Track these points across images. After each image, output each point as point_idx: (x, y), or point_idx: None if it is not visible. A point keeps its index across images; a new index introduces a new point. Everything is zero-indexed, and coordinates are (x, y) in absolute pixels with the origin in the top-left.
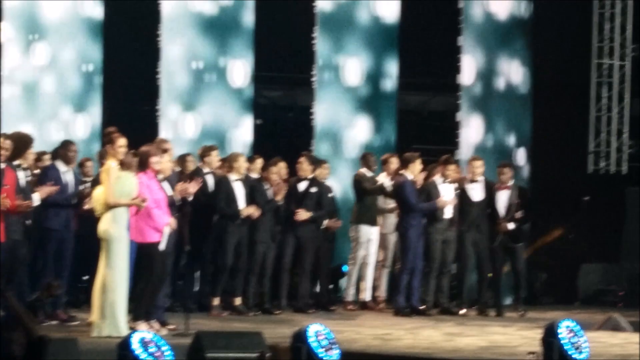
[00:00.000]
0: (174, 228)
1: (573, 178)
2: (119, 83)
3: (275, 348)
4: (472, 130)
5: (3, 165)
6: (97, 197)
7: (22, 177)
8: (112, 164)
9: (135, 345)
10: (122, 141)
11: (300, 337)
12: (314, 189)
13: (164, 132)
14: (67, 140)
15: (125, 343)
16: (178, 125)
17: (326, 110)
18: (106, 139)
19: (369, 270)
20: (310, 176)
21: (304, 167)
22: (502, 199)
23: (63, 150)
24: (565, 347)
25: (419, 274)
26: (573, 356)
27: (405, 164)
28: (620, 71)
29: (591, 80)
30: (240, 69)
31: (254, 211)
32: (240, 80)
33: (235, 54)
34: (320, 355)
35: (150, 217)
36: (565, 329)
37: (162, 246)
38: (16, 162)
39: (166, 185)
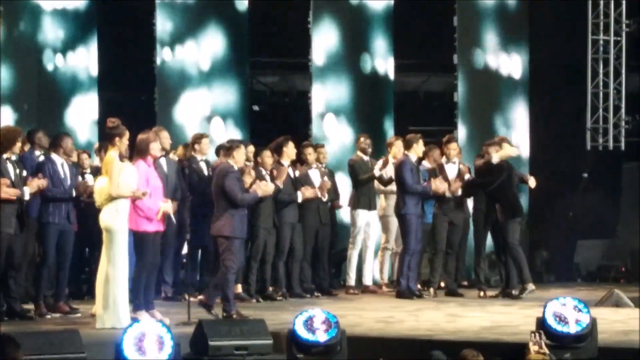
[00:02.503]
0: (168, 211)
1: (572, 155)
2: (115, 72)
3: (277, 334)
4: (469, 109)
5: None
6: (100, 189)
7: (11, 170)
8: (114, 155)
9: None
10: (128, 133)
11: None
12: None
13: (160, 121)
14: (63, 133)
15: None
16: (175, 114)
17: (323, 94)
18: (117, 131)
19: (369, 254)
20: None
21: (313, 156)
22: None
23: (59, 143)
24: (549, 322)
25: (417, 255)
26: (558, 329)
27: (408, 145)
28: (615, 47)
29: (587, 57)
30: (235, 55)
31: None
32: (235, 66)
33: (230, 39)
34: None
35: (143, 206)
36: (555, 305)
37: (173, 222)
38: (5, 156)
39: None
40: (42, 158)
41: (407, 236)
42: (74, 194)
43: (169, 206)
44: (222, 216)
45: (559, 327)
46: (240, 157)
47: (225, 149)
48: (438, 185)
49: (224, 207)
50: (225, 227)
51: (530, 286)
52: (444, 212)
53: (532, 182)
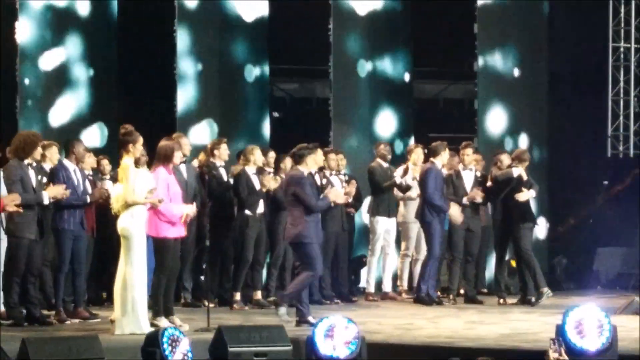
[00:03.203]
0: (191, 215)
1: (592, 162)
2: (135, 80)
3: (297, 340)
4: (489, 117)
5: None
6: (116, 196)
7: (32, 176)
8: (129, 161)
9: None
10: (141, 139)
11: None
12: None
13: (180, 128)
14: (75, 138)
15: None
16: (195, 121)
17: (343, 101)
18: (130, 137)
19: (389, 260)
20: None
21: (337, 162)
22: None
23: (70, 149)
24: (568, 335)
25: (436, 262)
26: (577, 345)
27: (435, 152)
28: (636, 54)
29: (608, 64)
30: (256, 62)
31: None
32: (256, 74)
33: (251, 46)
34: None
35: (165, 211)
36: (576, 316)
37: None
38: (27, 161)
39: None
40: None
41: (432, 242)
42: (88, 200)
43: (192, 208)
44: (298, 223)
45: (578, 342)
46: (312, 163)
47: (298, 157)
48: (454, 215)
49: (299, 214)
50: (302, 234)
51: (546, 290)
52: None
53: (522, 196)
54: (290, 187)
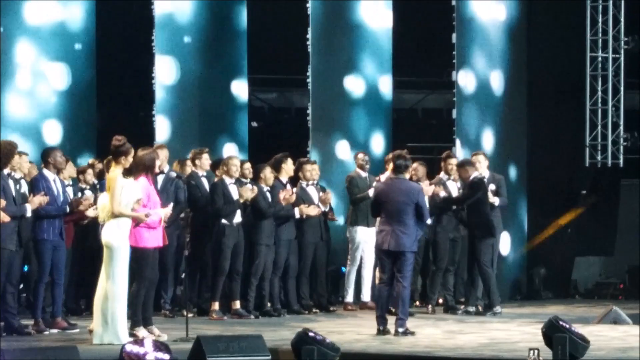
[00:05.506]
0: (168, 216)
1: (570, 172)
2: (114, 89)
3: (276, 350)
4: (467, 126)
5: None
6: (102, 205)
7: (12, 186)
8: (117, 172)
9: None
10: (133, 151)
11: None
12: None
13: (159, 138)
14: (51, 147)
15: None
16: (174, 130)
17: (321, 111)
18: (122, 149)
19: (367, 270)
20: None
21: (313, 172)
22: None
23: (49, 158)
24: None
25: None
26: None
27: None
28: (614, 64)
29: (586, 74)
30: (233, 71)
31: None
32: (234, 83)
33: (229, 56)
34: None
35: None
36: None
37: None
38: (6, 171)
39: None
40: None
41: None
42: (67, 210)
43: (167, 210)
44: (412, 233)
45: None
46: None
47: (404, 167)
48: (426, 189)
49: (412, 222)
50: (415, 244)
51: (497, 309)
52: (444, 229)
53: (495, 201)
54: (413, 196)
